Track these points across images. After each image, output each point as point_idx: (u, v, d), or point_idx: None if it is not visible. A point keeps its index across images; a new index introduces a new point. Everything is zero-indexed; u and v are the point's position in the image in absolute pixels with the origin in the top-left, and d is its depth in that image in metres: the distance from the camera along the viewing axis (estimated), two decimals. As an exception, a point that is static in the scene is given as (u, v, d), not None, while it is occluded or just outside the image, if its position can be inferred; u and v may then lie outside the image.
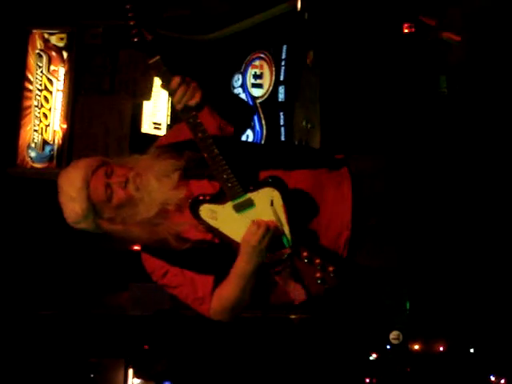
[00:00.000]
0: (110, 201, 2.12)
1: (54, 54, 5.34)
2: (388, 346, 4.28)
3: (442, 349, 4.24)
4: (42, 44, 5.34)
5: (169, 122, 5.46)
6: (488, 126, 3.88)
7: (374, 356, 4.38)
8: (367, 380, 4.38)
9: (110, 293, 5.30)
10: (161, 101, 5.46)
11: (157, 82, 5.44)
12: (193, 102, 2.12)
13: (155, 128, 5.40)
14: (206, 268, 2.15)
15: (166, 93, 5.52)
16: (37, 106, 5.32)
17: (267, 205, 2.02)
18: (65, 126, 5.30)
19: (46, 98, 5.32)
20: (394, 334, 4.23)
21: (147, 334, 5.25)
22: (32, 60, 5.33)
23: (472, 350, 4.13)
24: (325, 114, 4.57)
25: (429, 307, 4.15)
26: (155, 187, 2.11)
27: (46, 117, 5.32)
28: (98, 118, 5.28)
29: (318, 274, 2.03)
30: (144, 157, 2.24)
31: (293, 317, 4.70)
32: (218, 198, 2.07)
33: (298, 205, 2.08)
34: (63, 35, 5.36)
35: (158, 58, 2.13)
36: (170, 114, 5.49)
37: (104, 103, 5.31)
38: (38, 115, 5.32)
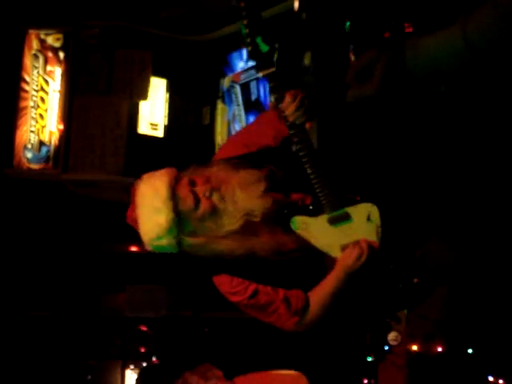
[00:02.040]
0: (196, 210, 2.01)
1: (50, 54, 5.33)
2: (386, 347, 4.26)
3: (440, 350, 4.23)
4: (39, 44, 5.33)
5: (166, 123, 5.45)
6: (487, 125, 3.87)
7: (371, 357, 4.37)
8: (365, 381, 4.37)
9: (107, 294, 5.29)
10: (158, 101, 5.45)
11: (154, 82, 5.43)
12: (302, 120, 2.07)
13: (152, 129, 5.39)
14: (295, 283, 2.14)
15: (163, 93, 5.52)
16: (33, 107, 5.31)
17: (364, 219, 2.03)
18: (61, 127, 5.29)
19: (42, 98, 5.31)
20: (392, 335, 4.22)
21: (144, 336, 5.24)
22: (28, 60, 5.32)
23: (470, 351, 4.12)
24: (322, 113, 4.56)
25: (427, 308, 4.14)
26: (240, 197, 2.04)
27: (43, 117, 5.31)
28: (94, 118, 5.27)
29: (402, 286, 2.08)
30: (215, 168, 2.12)
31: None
32: (312, 211, 2.06)
33: (391, 222, 2.09)
34: (59, 35, 5.35)
35: (272, 69, 2.07)
36: (167, 114, 5.48)
37: (100, 104, 5.30)
38: (35, 116, 5.30)
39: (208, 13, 5.45)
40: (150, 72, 5.37)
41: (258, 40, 2.03)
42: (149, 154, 5.10)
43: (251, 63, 5.24)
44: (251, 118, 5.20)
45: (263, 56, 2.06)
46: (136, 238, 2.09)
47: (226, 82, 5.49)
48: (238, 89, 5.34)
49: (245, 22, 2.02)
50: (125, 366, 5.24)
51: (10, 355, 4.96)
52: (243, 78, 5.29)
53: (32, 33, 5.32)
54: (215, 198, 2.02)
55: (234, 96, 5.39)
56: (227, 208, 2.03)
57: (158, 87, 5.48)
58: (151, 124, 5.42)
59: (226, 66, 5.48)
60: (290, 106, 2.03)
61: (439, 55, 1.49)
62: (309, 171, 2.03)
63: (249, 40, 2.05)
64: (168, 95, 5.54)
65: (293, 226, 2.06)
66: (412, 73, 1.54)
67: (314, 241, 2.06)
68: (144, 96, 5.32)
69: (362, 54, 1.57)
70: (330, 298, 2.10)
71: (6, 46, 5.20)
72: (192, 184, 2.02)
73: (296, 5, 4.76)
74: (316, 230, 2.05)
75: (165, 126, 5.43)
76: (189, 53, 5.56)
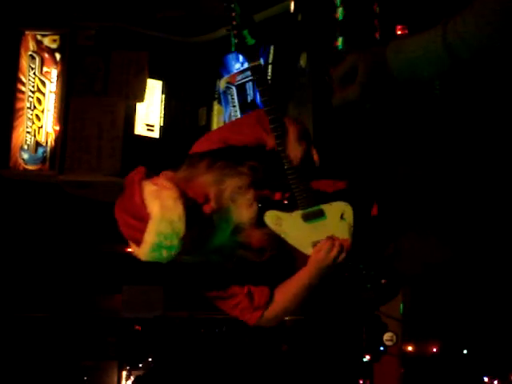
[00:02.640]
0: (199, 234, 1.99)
1: (46, 55, 5.34)
2: (381, 348, 4.27)
3: (435, 350, 4.24)
4: (35, 45, 5.33)
5: (162, 124, 5.46)
6: (483, 127, 3.88)
7: (367, 357, 4.38)
8: (361, 382, 4.38)
9: (103, 295, 5.29)
10: (154, 102, 5.46)
11: (150, 83, 5.44)
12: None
13: (148, 130, 5.39)
14: (262, 278, 2.16)
15: (159, 94, 5.52)
16: (29, 108, 5.31)
17: (337, 218, 2.05)
18: (58, 128, 5.29)
19: (38, 99, 5.31)
20: (387, 336, 4.23)
21: (140, 336, 5.24)
22: (24, 61, 5.32)
23: (465, 352, 4.14)
24: (317, 115, 4.57)
25: (422, 309, 4.15)
26: (233, 210, 2.04)
27: (39, 118, 5.31)
28: (90, 119, 5.27)
29: (370, 286, 2.10)
30: (199, 172, 2.07)
31: (286, 318, 4.70)
32: (287, 206, 2.08)
33: (364, 221, 2.11)
34: (56, 37, 5.36)
35: (257, 62, 2.06)
36: (163, 115, 5.49)
37: (97, 105, 5.30)
38: (31, 117, 5.31)
39: (204, 14, 5.45)
40: (147, 73, 5.38)
41: (245, 33, 2.04)
42: (145, 155, 5.11)
43: (247, 65, 5.25)
44: (247, 119, 5.21)
45: (249, 49, 2.07)
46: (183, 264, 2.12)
47: (222, 84, 5.50)
48: (234, 90, 5.35)
49: (233, 14, 2.03)
50: (121, 367, 5.24)
51: (7, 356, 4.96)
52: (239, 80, 5.30)
53: (28, 34, 5.32)
54: (215, 217, 2.01)
55: (230, 97, 5.39)
56: (221, 225, 2.04)
57: (154, 88, 5.49)
58: (147, 125, 5.43)
59: (222, 68, 5.48)
60: (295, 150, 2.04)
61: (419, 59, 1.46)
62: (286, 167, 2.05)
63: (235, 32, 2.06)
64: (164, 96, 5.54)
65: (266, 221, 2.07)
66: (395, 75, 1.52)
67: (286, 236, 2.08)
68: (140, 97, 5.33)
69: (344, 58, 1.57)
70: (298, 294, 2.11)
71: (3, 46, 5.20)
72: (196, 209, 1.97)
73: (292, 6, 4.77)
74: (289, 226, 2.06)
75: (161, 127, 5.44)
76: (185, 54, 5.57)
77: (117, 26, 5.30)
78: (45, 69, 5.33)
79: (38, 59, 5.31)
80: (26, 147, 5.29)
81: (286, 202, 2.09)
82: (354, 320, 4.23)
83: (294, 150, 2.05)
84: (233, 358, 4.80)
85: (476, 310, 3.92)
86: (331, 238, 2.04)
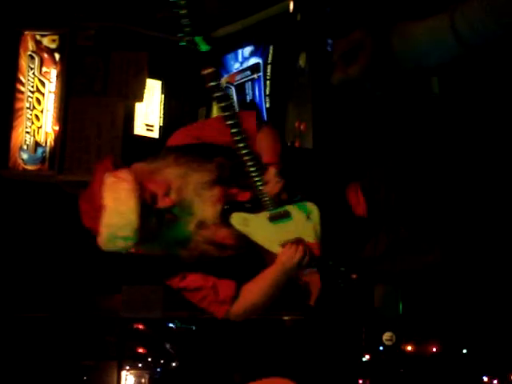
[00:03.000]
0: (158, 226, 2.03)
1: (45, 55, 5.33)
2: (381, 347, 4.28)
3: (434, 350, 4.25)
4: (34, 45, 5.33)
5: (161, 124, 5.46)
6: (482, 128, 3.88)
7: (367, 357, 4.39)
8: (360, 381, 4.38)
9: (103, 295, 5.29)
10: (153, 102, 5.45)
11: (150, 83, 5.44)
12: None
13: (148, 130, 5.39)
14: (229, 273, 2.18)
15: (158, 94, 5.52)
16: (29, 108, 5.31)
17: (303, 218, 2.05)
18: (57, 128, 5.29)
19: (38, 99, 5.31)
20: (387, 335, 4.23)
21: (140, 337, 5.24)
22: (24, 62, 5.31)
23: (465, 351, 4.14)
24: (317, 115, 4.57)
25: (422, 309, 4.16)
26: (197, 204, 2.06)
27: (38, 118, 5.31)
28: (90, 119, 5.27)
29: (341, 282, 2.10)
30: (165, 164, 2.12)
31: (285, 318, 4.70)
32: (253, 207, 2.08)
33: (332, 220, 2.11)
34: (55, 37, 5.35)
35: (212, 69, 2.04)
36: (162, 115, 5.49)
37: (96, 105, 5.30)
38: (30, 117, 5.30)
39: (203, 14, 5.45)
40: (146, 73, 5.38)
41: (198, 39, 2.02)
42: (144, 155, 5.09)
43: (247, 64, 5.25)
44: (246, 119, 5.20)
45: (202, 55, 2.05)
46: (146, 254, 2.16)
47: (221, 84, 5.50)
48: (233, 90, 5.35)
49: (185, 20, 1.98)
50: (121, 367, 5.24)
51: (6, 356, 4.96)
52: (238, 79, 5.30)
53: (28, 34, 5.32)
54: (176, 210, 2.05)
55: (229, 97, 5.39)
56: (185, 218, 2.06)
57: (153, 88, 5.49)
58: (147, 125, 5.42)
59: (221, 67, 5.49)
60: (275, 187, 2.03)
61: (427, 45, 1.43)
62: (247, 169, 2.04)
63: (187, 39, 2.03)
64: (163, 96, 5.54)
65: (232, 222, 2.07)
66: (399, 61, 1.47)
67: (253, 237, 2.08)
68: (140, 97, 5.32)
69: (350, 34, 1.52)
70: (265, 290, 2.13)
71: (2, 47, 5.20)
72: (154, 201, 2.01)
73: (291, 6, 4.77)
74: (256, 227, 2.07)
75: (160, 127, 5.44)
76: (184, 54, 5.57)
77: (116, 27, 5.30)
78: (44, 69, 5.33)
79: (37, 59, 5.31)
80: (25, 147, 5.29)
81: (251, 204, 2.08)
82: (353, 320, 4.23)
83: (271, 187, 2.04)
84: (231, 357, 4.80)
85: (475, 310, 3.92)
86: (296, 242, 2.04)
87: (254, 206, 2.07)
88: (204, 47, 2.03)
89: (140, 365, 5.29)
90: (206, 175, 2.09)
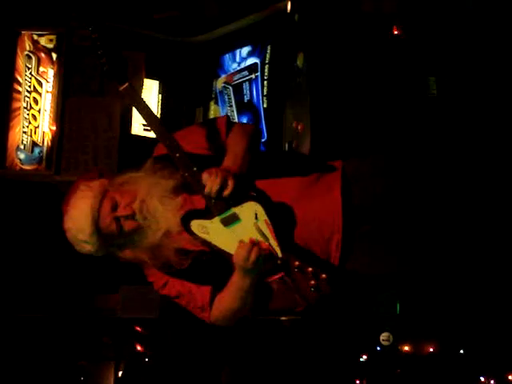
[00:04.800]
0: (119, 233, 2.13)
1: (43, 55, 5.33)
2: (378, 348, 4.28)
3: (432, 350, 4.25)
4: (31, 45, 5.33)
5: (148, 126, 5.45)
6: (479, 128, 3.89)
7: (364, 357, 4.38)
8: (357, 381, 4.38)
9: (100, 295, 5.28)
10: (151, 102, 5.45)
11: (147, 83, 5.44)
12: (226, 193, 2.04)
13: (145, 130, 5.39)
14: (203, 278, 2.20)
15: (155, 95, 5.53)
16: (26, 108, 5.31)
17: (252, 218, 2.03)
18: (54, 128, 5.29)
19: (35, 99, 5.31)
20: (384, 336, 4.23)
21: (138, 337, 5.23)
22: (21, 61, 5.31)
23: (462, 351, 4.14)
24: (315, 115, 4.57)
25: (419, 308, 4.16)
26: (161, 212, 2.12)
27: (35, 118, 5.31)
28: (87, 119, 5.28)
29: (312, 282, 2.05)
30: (141, 174, 2.20)
31: (283, 319, 4.70)
32: (206, 214, 2.07)
33: (282, 216, 2.09)
34: (52, 36, 5.36)
35: (127, 84, 2.14)
36: (159, 115, 5.48)
37: (93, 105, 5.30)
38: (27, 117, 5.30)
39: (201, 14, 5.46)
40: (143, 73, 5.38)
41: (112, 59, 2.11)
42: (142, 155, 5.09)
43: (244, 64, 5.25)
44: (244, 119, 5.21)
45: (117, 72, 2.14)
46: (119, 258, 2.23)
47: (218, 84, 5.50)
48: (230, 90, 5.35)
49: (98, 42, 2.11)
50: (118, 368, 5.23)
51: (3, 357, 4.95)
52: (236, 79, 5.31)
53: (25, 34, 5.32)
54: (139, 218, 2.12)
55: (226, 97, 5.40)
56: (150, 226, 2.13)
57: (151, 88, 5.49)
58: (144, 125, 5.42)
59: (218, 68, 5.49)
60: (211, 189, 2.02)
61: None
62: (187, 176, 2.06)
63: (104, 60, 2.11)
64: (161, 96, 5.54)
65: (194, 231, 2.08)
66: None
67: (215, 243, 2.08)
68: (137, 98, 5.32)
69: None
70: (236, 294, 2.12)
71: (-1, 46, 5.21)
72: (114, 208, 2.11)
73: (289, 6, 4.77)
74: (214, 233, 2.07)
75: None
76: (182, 54, 5.57)
77: (113, 26, 5.28)
78: (41, 69, 5.33)
79: (34, 59, 5.31)
80: (22, 147, 5.28)
81: (205, 210, 2.08)
82: (350, 320, 4.23)
83: (207, 190, 2.03)
84: (227, 358, 4.80)
85: (473, 310, 3.92)
86: (245, 243, 2.02)
87: (207, 212, 2.07)
88: (117, 65, 2.13)
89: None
90: (172, 182, 2.13)
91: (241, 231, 2.04)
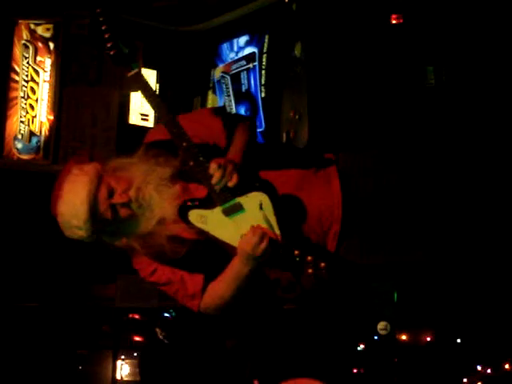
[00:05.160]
0: (113, 220, 2.09)
1: (40, 44, 5.32)
2: (375, 337, 4.29)
3: (429, 339, 4.26)
4: (28, 35, 5.31)
5: (156, 114, 5.45)
6: (477, 118, 3.89)
7: (361, 346, 4.40)
8: (355, 370, 4.40)
9: (98, 284, 5.29)
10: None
11: (145, 73, 5.43)
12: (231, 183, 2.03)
13: (142, 119, 5.39)
14: (196, 267, 2.18)
15: (153, 84, 5.51)
16: (23, 97, 5.29)
17: (257, 208, 2.03)
18: (51, 117, 5.28)
19: (32, 88, 5.29)
20: (381, 325, 4.24)
21: (136, 326, 5.24)
22: (18, 51, 5.29)
23: (459, 341, 4.16)
24: (312, 105, 4.57)
25: (416, 298, 4.17)
26: (156, 201, 2.09)
27: (33, 108, 5.30)
28: (84, 109, 5.27)
29: (310, 271, 2.06)
30: (135, 160, 2.16)
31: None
32: (206, 203, 2.06)
33: (286, 206, 2.10)
34: (49, 26, 5.33)
35: (136, 70, 2.08)
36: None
37: (91, 94, 5.29)
38: (25, 106, 5.29)
39: (199, 3, 5.44)
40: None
41: (119, 43, 2.06)
42: (139, 145, 5.09)
43: (242, 54, 5.24)
44: (242, 109, 5.21)
45: (125, 58, 2.07)
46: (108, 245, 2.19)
47: (216, 73, 5.49)
48: (228, 79, 5.34)
49: (103, 27, 2.05)
50: (116, 357, 5.24)
51: (1, 347, 4.96)
52: (234, 69, 5.30)
53: (22, 23, 5.29)
54: (134, 206, 2.08)
55: (224, 87, 5.39)
56: (144, 213, 2.09)
57: (148, 78, 5.45)
58: (142, 115, 5.42)
59: (216, 57, 5.48)
60: (218, 180, 2.01)
61: None
62: (192, 165, 2.04)
63: (110, 45, 2.06)
64: (158, 86, 5.53)
65: (192, 221, 2.07)
66: None
67: (214, 233, 2.08)
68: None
69: None
70: (231, 283, 2.12)
71: (-4, 36, 5.19)
72: (111, 195, 2.07)
73: (286, -4, 4.76)
74: (214, 223, 2.06)
75: (155, 117, 5.43)
76: (179, 43, 5.56)
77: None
78: (38, 58, 5.31)
79: (31, 48, 5.29)
80: (19, 137, 5.28)
81: (205, 200, 2.07)
82: (347, 309, 4.24)
83: (215, 180, 2.02)
84: (224, 346, 4.81)
85: (470, 299, 3.94)
86: (253, 229, 2.02)
87: (208, 202, 2.06)
88: (124, 49, 2.07)
89: (135, 354, 5.29)
90: (169, 170, 2.10)
91: (243, 221, 2.04)
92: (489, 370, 4.09)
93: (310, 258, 2.05)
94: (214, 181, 2.00)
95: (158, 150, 2.15)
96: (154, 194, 2.10)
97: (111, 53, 2.08)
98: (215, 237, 2.08)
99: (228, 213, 2.05)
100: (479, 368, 4.11)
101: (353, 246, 2.21)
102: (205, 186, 2.05)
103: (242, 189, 2.04)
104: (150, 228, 2.10)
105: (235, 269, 2.10)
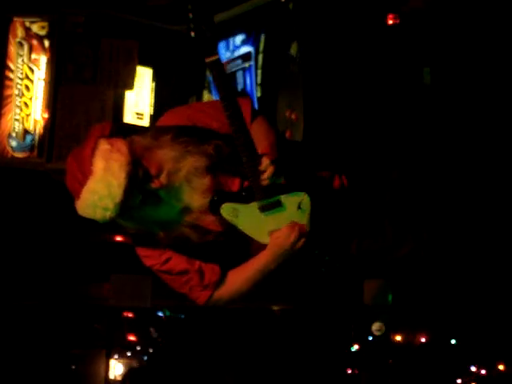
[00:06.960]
0: (140, 205, 1.99)
1: (35, 42, 5.29)
2: (370, 338, 4.29)
3: (423, 340, 4.27)
4: (23, 32, 5.29)
5: (151, 112, 5.43)
6: (472, 119, 3.89)
7: (355, 347, 4.40)
8: (349, 371, 4.40)
9: (92, 284, 5.28)
10: (143, 91, 5.43)
11: (140, 71, 5.41)
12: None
13: (138, 118, 5.37)
14: (212, 258, 2.16)
15: (148, 83, 5.49)
16: (18, 95, 5.27)
17: (295, 208, 2.05)
18: (46, 116, 5.26)
19: (27, 86, 5.27)
20: (376, 326, 4.24)
21: (129, 326, 5.24)
22: (13, 48, 5.27)
23: (453, 342, 4.16)
24: (308, 104, 4.57)
25: (411, 299, 4.17)
26: (185, 189, 2.03)
27: (27, 106, 5.28)
28: (79, 107, 5.24)
29: (324, 269, 2.12)
30: (161, 144, 2.04)
31: (275, 308, 4.70)
32: (244, 197, 2.07)
33: (322, 210, 2.11)
34: (44, 23, 5.31)
35: (216, 57, 2.03)
36: (152, 104, 5.46)
37: (86, 92, 5.27)
38: (19, 104, 5.27)
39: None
40: (136, 61, 5.35)
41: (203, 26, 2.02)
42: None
43: (238, 53, 5.23)
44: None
45: (208, 41, 2.03)
46: (122, 228, 2.10)
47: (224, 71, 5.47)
48: (224, 79, 5.33)
49: (189, 6, 2.01)
50: (109, 356, 5.24)
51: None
52: (229, 68, 5.28)
53: (17, 21, 5.27)
54: (162, 192, 2.00)
55: (220, 86, 5.36)
56: (170, 202, 2.03)
57: (143, 76, 5.46)
58: (137, 113, 5.40)
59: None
60: (268, 177, 2.01)
61: None
62: (244, 158, 2.02)
63: (193, 25, 2.03)
64: (154, 84, 5.51)
65: (222, 214, 2.06)
66: None
67: (242, 227, 2.07)
68: (130, 85, 5.30)
69: None
70: (252, 277, 2.12)
71: (-9, 33, 5.17)
72: (145, 180, 1.96)
73: (283, -5, 4.75)
74: (245, 217, 2.06)
75: (150, 116, 5.41)
76: (175, 42, 5.54)
77: (106, 14, 5.26)
78: (33, 56, 5.29)
79: (26, 46, 5.27)
80: (14, 135, 5.25)
81: (243, 194, 2.07)
82: (342, 310, 4.24)
83: (265, 177, 2.02)
84: (219, 347, 4.81)
85: (464, 300, 3.94)
86: (292, 226, 2.04)
87: (246, 196, 2.06)
88: (208, 34, 2.03)
89: (129, 354, 5.28)
90: (201, 160, 2.04)
91: (278, 219, 2.06)
92: (483, 371, 4.09)
93: (328, 258, 2.10)
94: (266, 175, 1.99)
95: (187, 137, 2.08)
96: (184, 184, 2.03)
97: (192, 34, 2.03)
98: (242, 231, 2.08)
99: (265, 209, 2.05)
100: (473, 369, 4.12)
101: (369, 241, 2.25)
102: (251, 179, 2.03)
103: (287, 187, 2.05)
104: (172, 216, 2.05)
105: (262, 263, 2.10)
